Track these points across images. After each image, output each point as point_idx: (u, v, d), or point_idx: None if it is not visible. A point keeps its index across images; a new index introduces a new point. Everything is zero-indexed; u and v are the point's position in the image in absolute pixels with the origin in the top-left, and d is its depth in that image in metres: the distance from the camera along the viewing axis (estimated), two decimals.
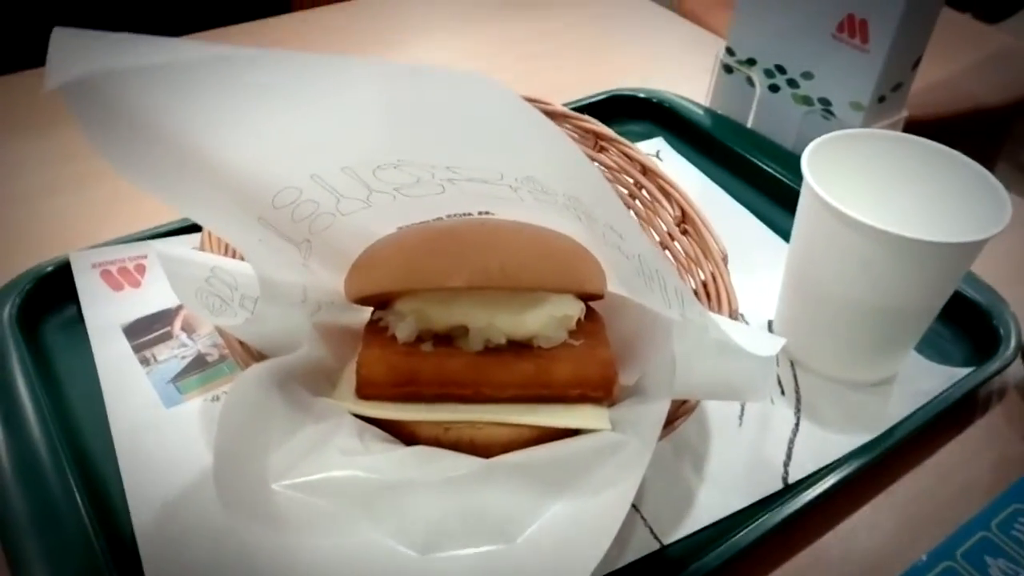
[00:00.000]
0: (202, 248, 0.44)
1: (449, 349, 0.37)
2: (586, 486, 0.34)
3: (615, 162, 0.56)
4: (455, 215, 0.44)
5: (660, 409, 0.34)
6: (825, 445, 0.47)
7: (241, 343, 0.39)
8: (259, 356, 0.39)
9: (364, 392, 0.38)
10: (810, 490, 0.44)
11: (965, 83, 1.34)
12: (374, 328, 0.40)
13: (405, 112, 0.35)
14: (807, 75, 0.71)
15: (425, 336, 0.38)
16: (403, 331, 0.38)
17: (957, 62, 1.33)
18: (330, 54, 0.31)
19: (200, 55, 0.30)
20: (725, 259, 0.47)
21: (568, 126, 0.58)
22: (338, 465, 0.33)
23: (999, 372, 0.51)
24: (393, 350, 0.37)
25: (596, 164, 0.56)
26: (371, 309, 0.42)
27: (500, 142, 0.36)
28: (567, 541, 0.32)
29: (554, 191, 0.38)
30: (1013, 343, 0.53)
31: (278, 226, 0.39)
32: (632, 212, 0.52)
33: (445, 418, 0.37)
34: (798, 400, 0.51)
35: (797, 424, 0.49)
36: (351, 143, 0.37)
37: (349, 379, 0.40)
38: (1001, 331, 0.54)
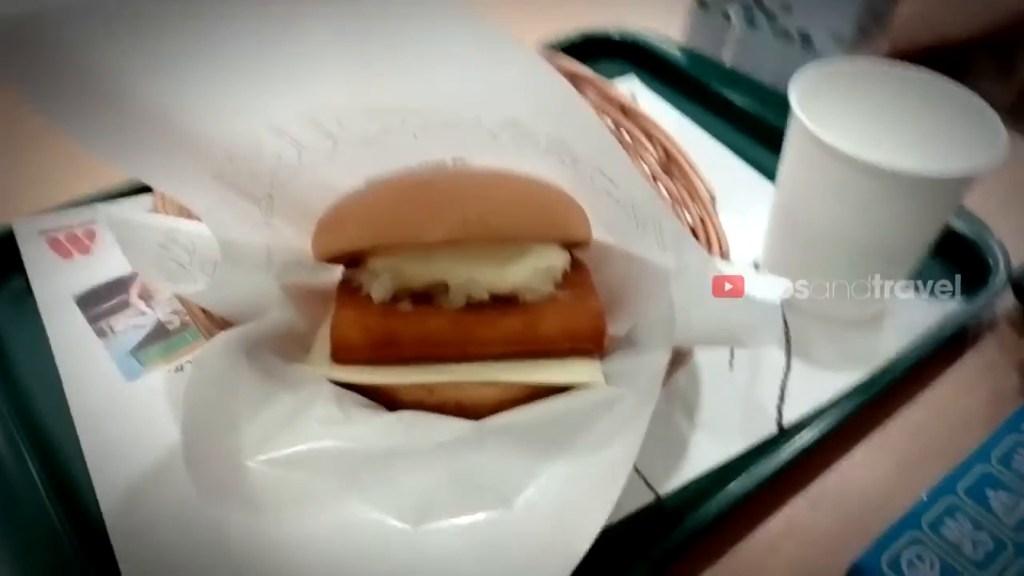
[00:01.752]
0: (156, 210, 0.41)
1: (429, 307, 0.35)
2: (583, 444, 0.32)
3: (593, 102, 0.53)
4: (427, 163, 0.41)
5: (658, 360, 0.33)
6: (818, 385, 0.46)
7: (204, 311, 0.36)
8: (224, 324, 0.36)
9: (340, 356, 0.35)
10: (805, 432, 0.42)
11: (929, 16, 1.32)
12: (347, 288, 0.37)
13: (372, 51, 0.32)
14: (786, 8, 0.69)
15: (402, 294, 0.35)
16: (378, 290, 0.35)
17: None
18: None
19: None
20: (713, 200, 0.45)
21: None
22: (317, 436, 0.31)
23: (989, 304, 0.50)
24: (369, 310, 0.35)
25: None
26: (342, 268, 0.40)
27: (479, 81, 0.33)
28: (567, 503, 0.30)
29: (536, 133, 0.35)
30: (1002, 274, 0.52)
31: (236, 181, 0.36)
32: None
33: (429, 380, 0.35)
34: (788, 341, 0.49)
35: (788, 365, 0.48)
36: (315, 89, 0.34)
37: (323, 343, 0.37)
38: (990, 262, 0.53)
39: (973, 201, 0.49)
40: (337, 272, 0.40)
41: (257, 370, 0.33)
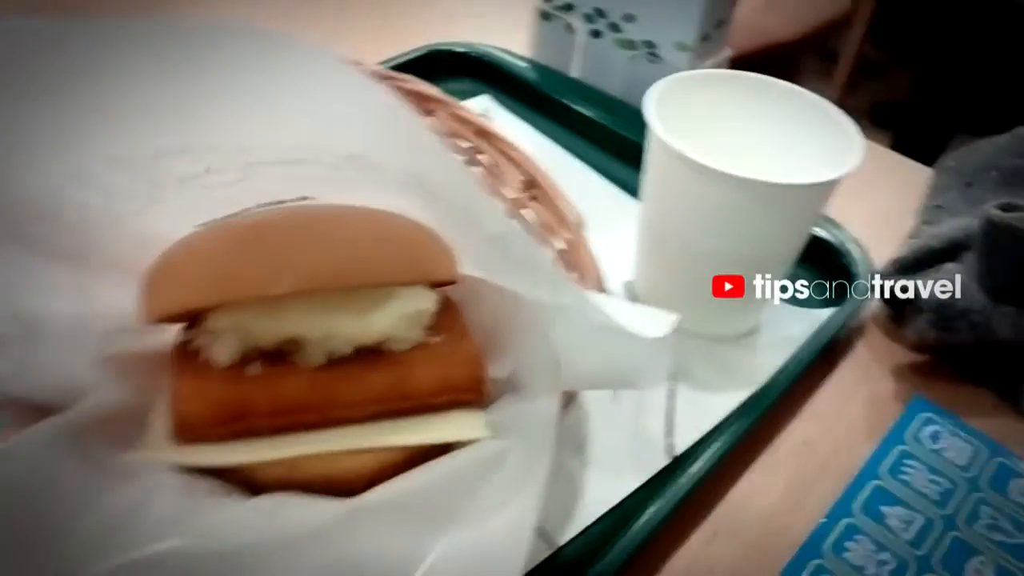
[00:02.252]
0: None
1: (283, 368, 0.31)
2: (476, 511, 0.29)
3: (447, 126, 0.50)
4: (266, 204, 0.36)
5: (547, 408, 0.30)
6: (704, 408, 0.44)
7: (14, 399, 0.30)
8: (43, 411, 0.30)
9: (183, 435, 0.30)
10: (698, 462, 0.41)
11: (758, 18, 1.38)
12: (184, 353, 0.32)
13: (193, 83, 0.28)
14: (629, 17, 0.68)
15: (250, 356, 0.31)
16: (221, 353, 0.30)
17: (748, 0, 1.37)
18: (90, 18, 0.23)
19: None
20: (582, 225, 0.43)
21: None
22: (160, 535, 0.26)
23: (859, 310, 0.51)
24: (212, 378, 0.30)
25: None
26: (177, 328, 0.34)
27: (315, 115, 0.29)
28: None
29: (388, 168, 0.31)
30: (866, 278, 0.52)
31: (37, 245, 0.30)
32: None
33: (290, 454, 0.30)
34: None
35: (672, 390, 0.46)
36: (121, 126, 0.29)
37: (162, 421, 0.32)
38: (854, 268, 0.53)
39: (831, 206, 0.50)
40: (171, 333, 0.35)
41: (81, 465, 0.27)
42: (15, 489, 0.25)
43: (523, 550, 0.27)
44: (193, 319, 0.32)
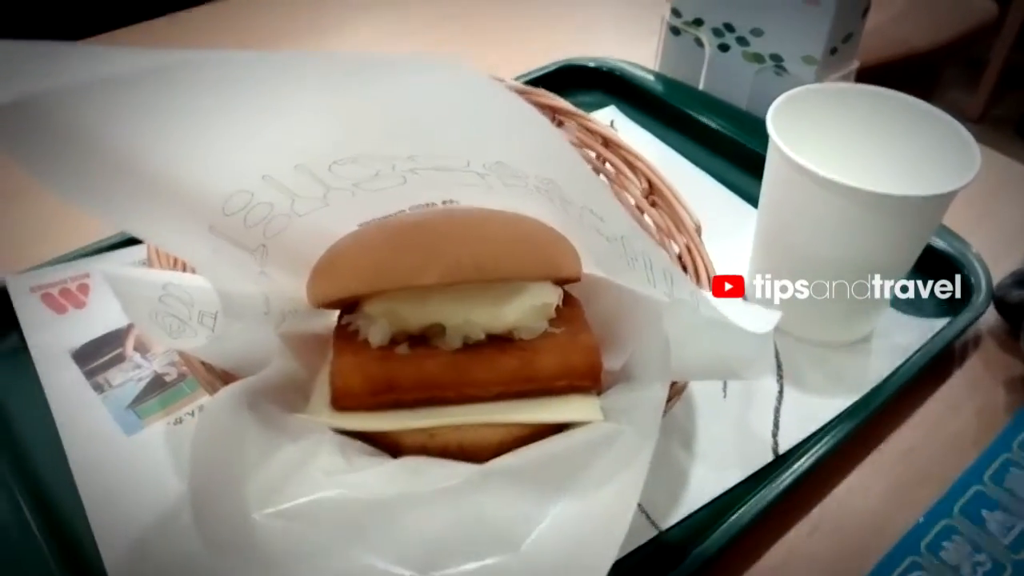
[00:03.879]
0: (149, 263, 0.41)
1: (426, 350, 0.36)
2: (587, 483, 0.32)
3: (575, 136, 0.54)
4: (418, 206, 0.42)
5: (656, 395, 0.33)
6: (811, 410, 0.46)
7: (204, 364, 0.36)
8: (225, 376, 0.36)
9: (341, 404, 0.35)
10: (801, 459, 0.43)
11: (896, 29, 1.35)
12: (343, 334, 0.37)
13: (361, 104, 0.33)
14: (756, 32, 0.70)
15: (399, 338, 0.36)
16: (376, 335, 0.36)
17: (887, 8, 1.34)
18: (271, 52, 0.28)
19: (134, 64, 0.27)
20: (699, 229, 0.46)
21: None
22: (323, 486, 0.31)
23: (974, 322, 0.51)
24: (367, 356, 0.35)
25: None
26: (337, 313, 0.40)
27: (465, 127, 0.34)
28: (575, 544, 0.30)
29: (525, 175, 0.36)
30: (984, 291, 0.53)
31: (231, 234, 0.36)
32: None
33: (430, 424, 0.35)
34: (779, 367, 0.50)
35: (781, 391, 0.48)
36: (304, 140, 0.34)
37: (322, 391, 0.37)
38: (972, 280, 0.54)
39: (951, 217, 0.50)
40: (332, 318, 0.41)
41: (260, 422, 0.33)
42: (212, 438, 0.31)
43: (626, 521, 0.30)
44: (352, 305, 0.37)
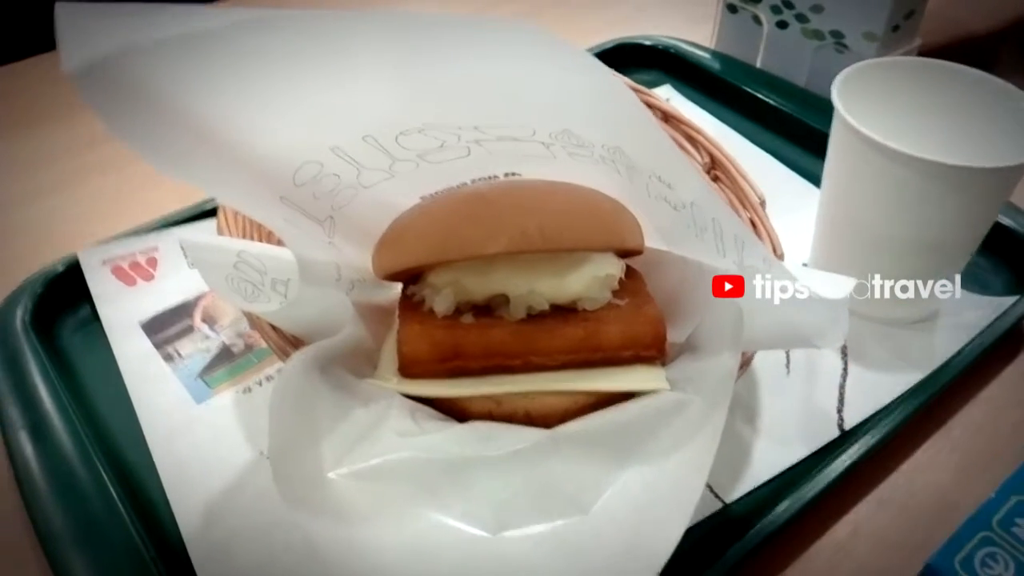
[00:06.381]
0: (219, 234, 0.42)
1: (491, 319, 0.36)
2: (656, 450, 0.32)
3: None
4: (480, 179, 0.42)
5: (726, 363, 0.33)
6: (876, 387, 0.46)
7: (275, 329, 0.37)
8: (294, 341, 0.37)
9: (409, 371, 0.36)
10: (868, 435, 0.42)
11: (950, 9, 1.31)
12: (409, 304, 0.38)
13: (428, 69, 0.33)
14: (816, 8, 0.69)
15: (463, 308, 0.36)
16: (441, 304, 0.36)
17: None
18: (344, 11, 0.28)
19: (213, 22, 0.28)
20: (763, 203, 0.45)
21: None
22: (395, 448, 0.32)
23: None
24: (433, 324, 0.36)
25: None
26: (399, 285, 0.40)
27: (534, 92, 0.34)
28: (645, 510, 0.30)
29: (591, 143, 0.36)
30: None
31: (301, 204, 0.37)
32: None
33: (497, 391, 0.35)
34: (844, 343, 0.49)
35: (845, 368, 0.48)
36: (373, 108, 0.35)
37: (389, 358, 0.38)
38: None
39: (1019, 196, 0.49)
40: (395, 289, 0.41)
41: (333, 386, 0.34)
42: (289, 399, 0.31)
43: (698, 489, 0.30)
44: (416, 276, 0.38)
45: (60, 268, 0.52)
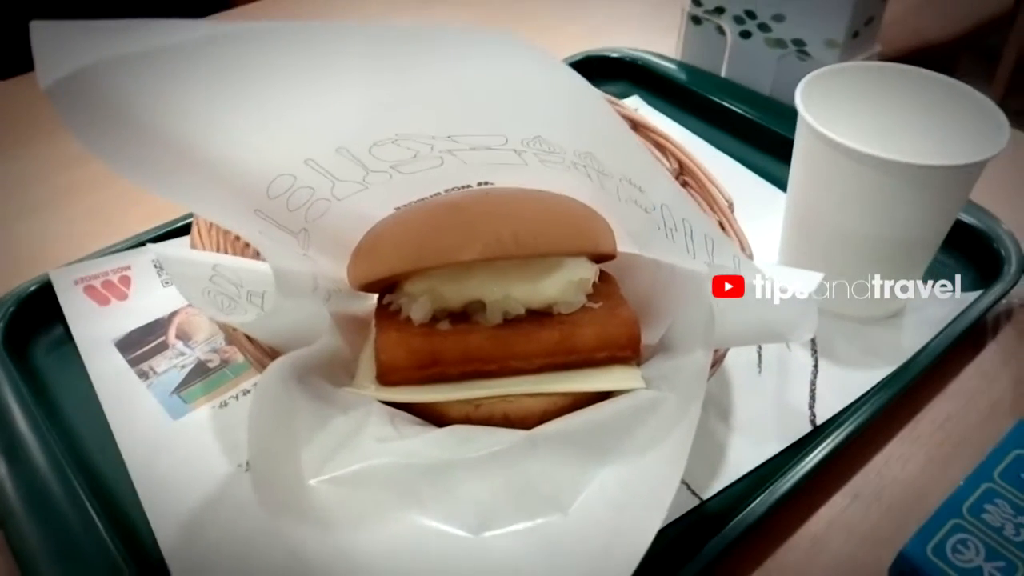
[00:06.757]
0: (193, 248, 0.42)
1: (468, 325, 0.36)
2: (632, 447, 0.33)
3: None
4: (453, 189, 0.42)
5: (699, 361, 0.34)
6: (847, 383, 0.47)
7: (252, 341, 0.37)
8: (271, 353, 0.37)
9: (387, 378, 0.36)
10: (839, 430, 0.43)
11: (911, 17, 1.34)
12: (385, 312, 0.38)
13: (401, 78, 0.33)
14: (778, 17, 0.71)
15: (440, 315, 0.37)
16: (418, 312, 0.36)
17: None
18: (318, 23, 0.29)
19: (188, 36, 0.28)
20: (731, 206, 0.46)
21: None
22: (375, 453, 0.32)
23: (1005, 294, 0.51)
24: (411, 332, 0.36)
25: None
26: (375, 296, 0.41)
27: (506, 99, 0.34)
28: (622, 507, 0.31)
29: (563, 149, 0.36)
30: (1015, 263, 0.53)
31: (275, 216, 0.37)
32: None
33: (475, 395, 0.36)
34: (813, 341, 0.50)
35: (816, 365, 0.49)
36: (346, 120, 0.35)
37: (367, 367, 0.38)
38: (1002, 252, 0.54)
39: (979, 196, 0.51)
40: (372, 301, 0.41)
41: (311, 395, 0.34)
42: (268, 409, 0.31)
43: (673, 484, 0.30)
44: (392, 285, 0.38)
45: (32, 288, 0.51)
